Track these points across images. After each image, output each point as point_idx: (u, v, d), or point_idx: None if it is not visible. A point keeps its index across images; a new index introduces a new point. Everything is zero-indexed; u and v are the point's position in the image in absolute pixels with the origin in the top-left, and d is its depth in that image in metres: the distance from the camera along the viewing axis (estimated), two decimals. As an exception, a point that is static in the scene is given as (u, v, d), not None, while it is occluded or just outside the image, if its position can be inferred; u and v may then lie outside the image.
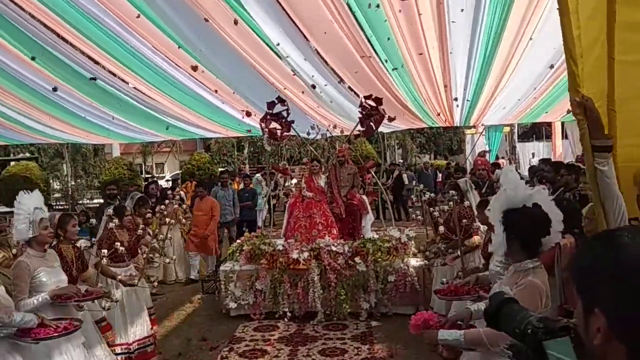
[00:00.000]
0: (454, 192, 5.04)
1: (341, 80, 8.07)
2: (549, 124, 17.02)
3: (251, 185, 11.18)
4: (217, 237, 8.85)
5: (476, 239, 4.96)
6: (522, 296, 2.38)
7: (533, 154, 19.41)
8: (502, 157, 18.32)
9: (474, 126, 14.81)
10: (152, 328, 5.75)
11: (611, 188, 2.07)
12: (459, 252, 4.71)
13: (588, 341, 0.91)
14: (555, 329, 1.11)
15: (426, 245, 5.99)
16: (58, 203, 18.87)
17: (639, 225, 2.33)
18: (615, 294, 0.83)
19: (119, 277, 4.69)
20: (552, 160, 12.55)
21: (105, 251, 4.63)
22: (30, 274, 3.44)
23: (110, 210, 5.41)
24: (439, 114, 10.07)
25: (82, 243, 8.28)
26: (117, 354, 4.72)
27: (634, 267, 0.82)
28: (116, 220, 5.02)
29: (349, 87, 8.49)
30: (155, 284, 5.49)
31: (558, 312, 2.63)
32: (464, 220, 4.58)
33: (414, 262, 6.31)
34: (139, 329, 5.06)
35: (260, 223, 10.94)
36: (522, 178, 2.75)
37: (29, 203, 3.57)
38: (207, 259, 8.79)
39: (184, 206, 8.38)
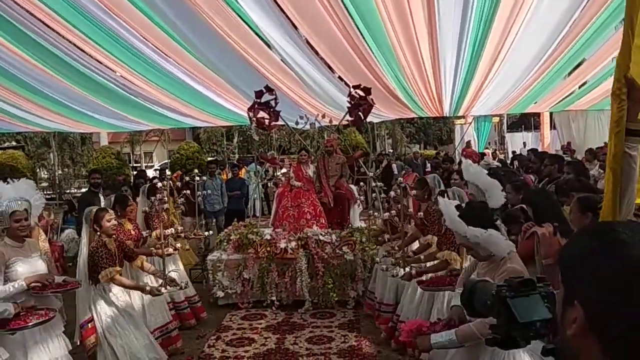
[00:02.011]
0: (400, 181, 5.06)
1: (331, 69, 8.05)
2: (538, 115, 17.13)
3: (241, 175, 11.11)
4: None
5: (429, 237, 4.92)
6: None
7: (524, 144, 19.54)
8: (487, 148, 18.42)
9: (463, 116, 14.86)
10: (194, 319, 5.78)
11: (633, 177, 1.98)
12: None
13: (562, 329, 0.90)
14: (517, 284, 1.08)
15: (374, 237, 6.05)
16: (45, 192, 18.66)
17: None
18: (600, 292, 0.81)
19: (148, 287, 4.43)
20: (540, 150, 12.67)
21: (144, 257, 4.67)
22: (4, 263, 3.41)
23: (111, 199, 5.28)
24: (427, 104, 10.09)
25: (68, 234, 8.25)
26: None
27: (627, 268, 0.79)
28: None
29: (339, 77, 8.47)
30: (184, 284, 4.97)
31: None
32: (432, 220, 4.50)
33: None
34: (160, 318, 5.02)
35: (257, 213, 10.85)
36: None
37: (5, 193, 3.53)
38: None
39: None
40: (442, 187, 4.90)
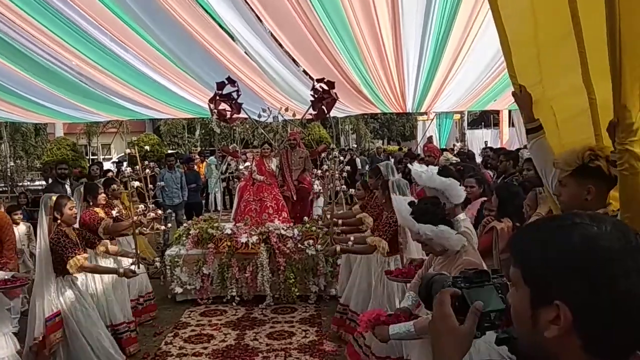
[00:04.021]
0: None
1: (295, 63, 8.00)
2: (497, 112, 17.52)
3: (196, 167, 11.06)
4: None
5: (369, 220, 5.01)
6: None
7: (486, 142, 19.92)
8: (452, 147, 18.68)
9: (425, 113, 15.06)
10: (150, 313, 5.69)
11: (545, 160, 2.25)
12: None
13: (534, 331, 0.87)
14: (472, 275, 1.09)
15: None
16: (-4, 185, 17.90)
17: (598, 213, 2.39)
18: (584, 289, 0.79)
19: (121, 269, 4.34)
20: (499, 147, 12.98)
21: (108, 242, 4.53)
22: None
23: (81, 190, 4.99)
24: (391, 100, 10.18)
25: (19, 228, 7.88)
26: None
27: (606, 261, 0.78)
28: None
29: (304, 71, 8.43)
30: (158, 264, 5.33)
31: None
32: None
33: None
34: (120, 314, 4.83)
35: (219, 207, 10.91)
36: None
37: None
38: None
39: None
40: (396, 175, 4.90)
